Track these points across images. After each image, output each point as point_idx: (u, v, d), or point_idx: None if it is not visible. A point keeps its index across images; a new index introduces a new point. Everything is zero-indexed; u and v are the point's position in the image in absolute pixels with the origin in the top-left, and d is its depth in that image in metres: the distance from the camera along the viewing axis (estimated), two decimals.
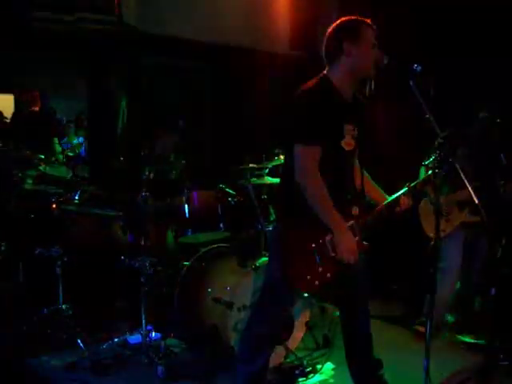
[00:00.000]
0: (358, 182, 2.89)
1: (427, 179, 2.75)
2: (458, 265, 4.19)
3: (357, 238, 2.70)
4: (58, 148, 6.43)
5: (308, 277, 2.62)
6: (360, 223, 2.73)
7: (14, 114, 7.00)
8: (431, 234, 4.19)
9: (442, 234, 4.09)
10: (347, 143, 2.71)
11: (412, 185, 2.83)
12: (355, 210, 2.74)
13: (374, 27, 2.69)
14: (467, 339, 4.24)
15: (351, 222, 2.72)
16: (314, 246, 2.64)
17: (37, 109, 6.89)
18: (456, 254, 4.17)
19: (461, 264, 4.22)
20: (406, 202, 2.82)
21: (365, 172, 2.93)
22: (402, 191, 2.83)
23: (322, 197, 2.58)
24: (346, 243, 2.61)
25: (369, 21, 2.69)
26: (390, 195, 2.85)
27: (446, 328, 4.34)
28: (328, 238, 2.65)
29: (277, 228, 2.90)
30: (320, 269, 2.64)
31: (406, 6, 5.86)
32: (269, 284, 2.86)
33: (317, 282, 2.64)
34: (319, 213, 2.59)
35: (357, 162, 2.92)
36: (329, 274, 2.66)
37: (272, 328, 2.85)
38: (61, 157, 6.41)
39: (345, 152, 2.71)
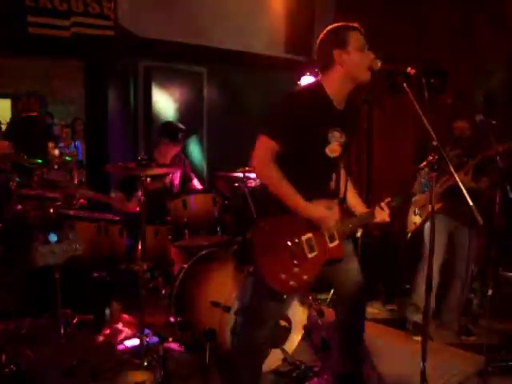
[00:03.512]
0: (341, 188, 2.90)
1: (406, 199, 2.79)
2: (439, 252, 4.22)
3: (337, 241, 2.72)
4: (56, 152, 6.44)
5: (282, 276, 2.60)
6: (339, 225, 2.74)
7: (11, 119, 7.02)
8: (409, 230, 4.35)
9: (414, 227, 4.27)
10: (332, 149, 2.71)
11: (391, 202, 2.86)
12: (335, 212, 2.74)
13: (361, 30, 2.67)
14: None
15: None
16: (289, 244, 2.63)
17: (35, 114, 6.90)
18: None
19: (443, 253, 4.28)
20: (382, 217, 2.83)
21: (349, 180, 2.94)
22: (379, 206, 2.85)
23: (278, 184, 2.60)
24: (315, 213, 2.62)
25: (356, 24, 2.68)
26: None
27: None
28: (305, 236, 2.66)
29: (255, 225, 2.81)
30: (296, 269, 2.63)
31: (404, 7, 5.88)
32: (253, 284, 2.86)
33: (292, 283, 2.62)
34: (281, 198, 2.61)
35: (342, 169, 2.93)
36: (305, 277, 2.64)
37: (265, 334, 2.83)
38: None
39: (328, 158, 2.71)
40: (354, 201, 2.97)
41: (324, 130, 2.67)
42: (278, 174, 2.60)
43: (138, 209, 4.17)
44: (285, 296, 2.71)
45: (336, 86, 2.69)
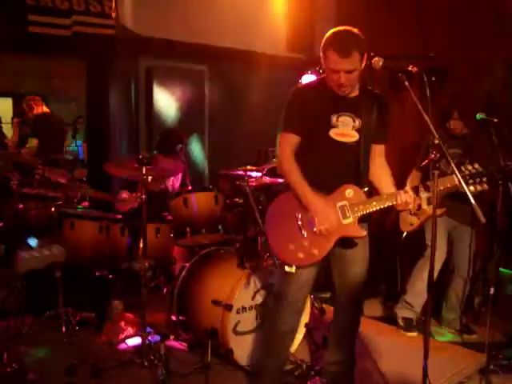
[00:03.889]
0: (371, 171, 2.93)
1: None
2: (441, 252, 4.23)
3: (350, 219, 2.74)
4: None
5: (291, 246, 2.69)
6: (355, 205, 2.76)
7: (32, 116, 6.96)
8: (404, 229, 4.32)
9: (411, 228, 4.25)
10: (342, 134, 2.79)
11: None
12: (350, 193, 2.78)
13: (346, 54, 2.61)
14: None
15: (343, 202, 2.76)
16: (299, 216, 2.72)
17: (47, 111, 6.89)
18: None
19: (445, 253, 4.28)
20: (403, 201, 2.76)
21: (383, 164, 2.97)
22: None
23: (295, 181, 2.77)
24: (321, 213, 2.69)
25: (336, 43, 2.64)
26: None
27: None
28: None
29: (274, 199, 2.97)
30: (305, 242, 2.70)
31: (405, 7, 5.87)
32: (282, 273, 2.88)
33: (301, 255, 2.70)
34: (292, 188, 2.78)
35: (378, 156, 2.95)
36: (315, 251, 2.70)
37: (292, 317, 2.92)
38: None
39: (336, 142, 2.79)
40: (383, 185, 2.93)
41: (325, 114, 2.78)
42: (296, 168, 2.77)
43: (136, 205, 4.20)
44: (293, 269, 2.72)
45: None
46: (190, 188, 4.90)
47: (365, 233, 2.82)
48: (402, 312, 4.37)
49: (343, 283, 3.00)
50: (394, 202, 2.76)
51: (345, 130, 2.80)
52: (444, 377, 3.46)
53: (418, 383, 2.55)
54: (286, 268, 2.74)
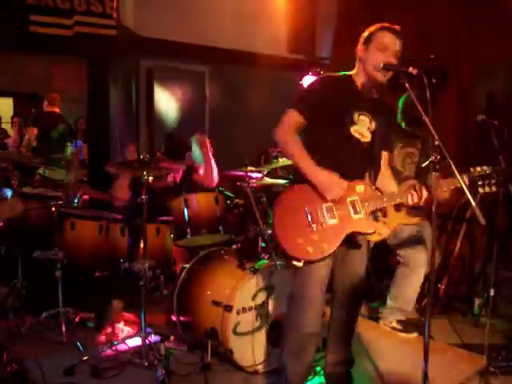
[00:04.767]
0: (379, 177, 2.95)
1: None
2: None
3: (361, 215, 2.74)
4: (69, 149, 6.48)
5: (299, 240, 2.65)
6: (366, 201, 2.75)
7: (37, 111, 6.96)
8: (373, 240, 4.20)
9: (379, 238, 4.10)
10: (361, 133, 2.80)
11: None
12: (361, 189, 2.77)
13: (398, 33, 2.74)
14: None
15: (354, 197, 2.76)
16: (307, 208, 2.69)
17: (57, 110, 6.91)
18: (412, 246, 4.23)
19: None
20: (414, 199, 2.78)
21: (390, 176, 3.02)
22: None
23: (295, 152, 2.75)
24: (324, 181, 2.67)
25: (395, 27, 2.75)
26: None
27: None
28: (326, 204, 2.71)
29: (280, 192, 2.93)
30: (314, 236, 2.67)
31: (405, 8, 5.88)
32: (298, 273, 2.85)
33: (310, 249, 2.66)
34: (295, 162, 2.76)
35: (386, 165, 2.99)
36: (325, 244, 2.67)
37: (313, 318, 2.85)
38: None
39: (356, 139, 2.79)
40: (390, 188, 2.97)
41: (348, 109, 2.78)
42: (296, 140, 2.76)
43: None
44: (301, 263, 2.70)
45: (360, 79, 2.83)
46: (200, 171, 4.88)
47: (374, 228, 2.80)
48: (394, 316, 4.35)
49: (343, 282, 2.99)
50: (405, 200, 2.78)
51: (363, 129, 2.81)
52: (444, 378, 3.46)
53: None
54: (294, 262, 2.71)
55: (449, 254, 4.96)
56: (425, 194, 2.74)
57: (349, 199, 2.75)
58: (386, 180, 3.01)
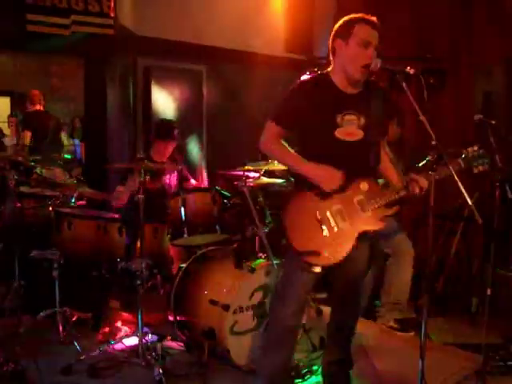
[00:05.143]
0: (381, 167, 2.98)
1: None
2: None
3: (369, 212, 2.75)
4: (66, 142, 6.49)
5: (315, 248, 2.67)
6: (371, 198, 2.76)
7: (26, 112, 6.96)
8: (369, 227, 4.26)
9: (381, 226, 4.15)
10: (347, 133, 2.75)
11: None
12: (365, 186, 2.78)
13: (375, 25, 2.71)
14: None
15: (360, 196, 2.76)
16: (318, 216, 2.71)
17: (41, 108, 6.90)
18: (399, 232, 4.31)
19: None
20: (416, 189, 2.79)
21: (390, 160, 3.02)
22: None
23: (284, 156, 2.83)
24: (320, 175, 2.69)
25: (372, 18, 2.74)
26: None
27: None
28: (334, 207, 2.72)
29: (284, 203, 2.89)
30: (329, 241, 2.69)
31: (405, 7, 5.88)
32: (285, 267, 2.91)
33: (327, 254, 2.68)
34: (290, 166, 2.84)
35: (384, 151, 2.99)
36: (340, 248, 2.70)
37: (296, 314, 2.88)
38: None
39: (342, 142, 2.75)
40: (393, 178, 2.98)
41: (329, 114, 2.73)
42: (280, 146, 2.81)
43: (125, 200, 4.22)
44: (319, 269, 2.74)
45: (338, 75, 2.78)
46: (191, 180, 4.88)
47: (383, 224, 2.81)
48: (391, 315, 4.37)
49: (344, 281, 2.99)
50: (408, 192, 2.80)
51: (350, 128, 2.77)
52: (441, 378, 3.46)
53: None
54: (313, 269, 2.74)
55: (446, 253, 4.97)
56: (425, 183, 2.75)
57: (355, 199, 2.76)
58: (387, 168, 3.01)
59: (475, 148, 2.84)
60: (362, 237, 2.79)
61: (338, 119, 2.74)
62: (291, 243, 2.70)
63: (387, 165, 3.01)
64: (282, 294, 2.89)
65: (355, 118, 2.77)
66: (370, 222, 2.78)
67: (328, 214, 2.72)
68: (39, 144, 6.49)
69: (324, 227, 2.71)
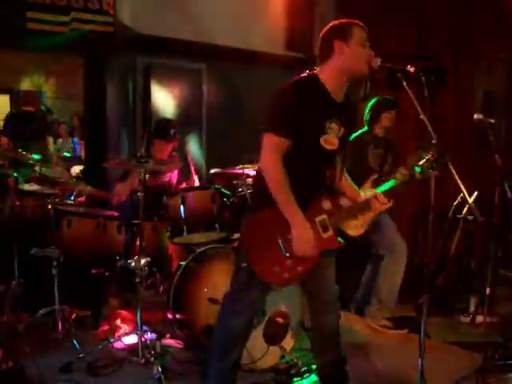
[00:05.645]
0: (337, 181, 2.91)
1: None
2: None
3: (330, 232, 2.72)
4: (52, 148, 6.45)
5: (275, 268, 2.63)
6: (333, 217, 2.74)
7: (8, 114, 7.00)
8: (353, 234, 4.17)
9: (362, 230, 4.09)
10: (329, 141, 2.68)
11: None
12: (327, 205, 2.74)
13: (366, 29, 2.69)
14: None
15: (322, 216, 2.73)
16: (279, 239, 2.64)
17: (31, 109, 6.89)
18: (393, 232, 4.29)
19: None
20: (376, 207, 2.83)
21: (344, 174, 2.94)
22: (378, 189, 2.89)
23: (281, 189, 2.59)
24: (302, 237, 2.60)
25: (361, 23, 2.70)
26: None
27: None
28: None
29: (246, 218, 2.81)
30: (289, 261, 2.64)
31: (405, 7, 5.87)
32: (237, 276, 2.84)
33: (286, 275, 2.65)
34: (279, 204, 2.60)
35: (339, 162, 2.90)
36: (300, 268, 2.66)
37: (243, 323, 2.83)
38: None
39: (323, 150, 2.69)
40: (352, 193, 2.96)
41: (321, 119, 2.66)
42: (285, 178, 2.60)
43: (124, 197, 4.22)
44: (278, 287, 2.72)
45: (333, 77, 2.69)
46: (183, 185, 4.87)
47: (341, 241, 2.79)
48: (382, 313, 4.40)
49: (318, 288, 2.94)
50: (370, 209, 2.82)
51: (331, 137, 2.69)
52: (440, 376, 3.46)
53: (414, 383, 2.55)
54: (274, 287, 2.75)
55: (445, 252, 4.97)
56: (382, 200, 2.80)
57: (317, 219, 2.72)
58: (344, 183, 2.98)
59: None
60: (325, 253, 2.76)
61: (326, 125, 2.67)
62: (253, 265, 2.64)
63: (346, 182, 2.98)
64: (234, 309, 2.82)
65: (337, 127, 2.70)
66: (329, 242, 2.74)
67: (289, 235, 2.63)
68: (16, 144, 6.41)
69: (284, 248, 2.63)
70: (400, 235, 4.37)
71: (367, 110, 4.48)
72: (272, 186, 2.60)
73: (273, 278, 2.68)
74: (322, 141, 2.67)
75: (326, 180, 2.82)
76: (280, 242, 2.64)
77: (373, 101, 4.48)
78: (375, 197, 2.83)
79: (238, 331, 2.84)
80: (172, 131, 4.69)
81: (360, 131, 4.45)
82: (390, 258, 4.32)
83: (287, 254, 2.64)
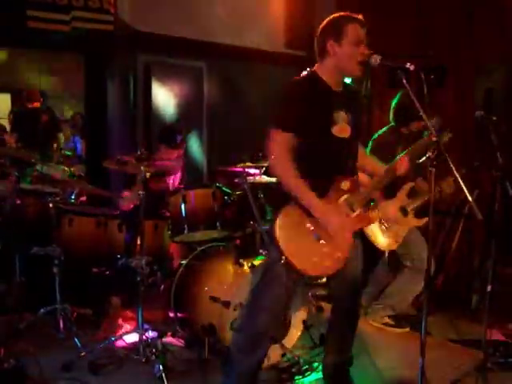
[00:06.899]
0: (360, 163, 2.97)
1: (423, 143, 2.80)
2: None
3: (358, 211, 2.73)
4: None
5: (314, 259, 2.63)
6: (357, 196, 2.76)
7: (16, 111, 6.97)
8: (382, 248, 3.90)
9: (395, 247, 3.94)
10: (340, 130, 2.74)
11: (410, 148, 2.93)
12: (346, 185, 2.76)
13: (363, 23, 2.71)
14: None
15: (344, 196, 2.74)
16: (310, 227, 2.66)
17: (37, 105, 6.89)
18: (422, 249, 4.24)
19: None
20: (403, 166, 2.85)
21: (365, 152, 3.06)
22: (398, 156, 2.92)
23: (291, 182, 2.62)
24: (333, 221, 2.62)
25: (358, 16, 2.73)
26: None
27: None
28: None
29: (274, 219, 2.80)
30: (325, 249, 2.65)
31: (405, 6, 5.86)
32: (266, 271, 2.84)
33: (327, 263, 2.65)
34: (295, 196, 2.63)
35: (360, 147, 3.01)
36: (339, 253, 2.67)
37: (269, 319, 2.83)
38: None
39: (337, 139, 2.73)
40: (376, 168, 3.03)
41: (328, 111, 2.72)
42: (293, 173, 2.62)
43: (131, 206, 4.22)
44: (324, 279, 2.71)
45: (329, 74, 2.77)
46: (182, 186, 4.86)
47: (377, 219, 2.80)
48: (386, 312, 4.39)
49: (342, 280, 2.98)
50: (395, 174, 2.84)
51: (342, 125, 2.76)
52: (441, 374, 3.46)
53: (415, 381, 2.55)
54: (319, 281, 2.73)
55: (447, 250, 4.97)
56: (405, 161, 2.83)
57: (340, 200, 2.74)
58: (367, 160, 3.07)
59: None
60: (354, 234, 2.79)
61: (335, 115, 2.73)
62: (291, 260, 2.59)
63: (367, 160, 3.07)
64: (260, 305, 2.82)
65: (344, 114, 2.77)
66: (361, 221, 2.77)
67: (319, 223, 2.64)
68: (27, 144, 6.42)
69: (317, 235, 2.65)
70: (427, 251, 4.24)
71: (395, 106, 4.22)
72: (283, 181, 2.65)
73: (315, 269, 2.67)
74: (333, 131, 2.72)
75: (348, 168, 2.83)
76: (312, 230, 2.65)
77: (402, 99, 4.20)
78: (399, 161, 2.84)
79: (265, 328, 2.84)
80: (179, 138, 4.68)
81: (384, 129, 4.29)
82: (412, 271, 4.24)
83: (322, 241, 2.64)
